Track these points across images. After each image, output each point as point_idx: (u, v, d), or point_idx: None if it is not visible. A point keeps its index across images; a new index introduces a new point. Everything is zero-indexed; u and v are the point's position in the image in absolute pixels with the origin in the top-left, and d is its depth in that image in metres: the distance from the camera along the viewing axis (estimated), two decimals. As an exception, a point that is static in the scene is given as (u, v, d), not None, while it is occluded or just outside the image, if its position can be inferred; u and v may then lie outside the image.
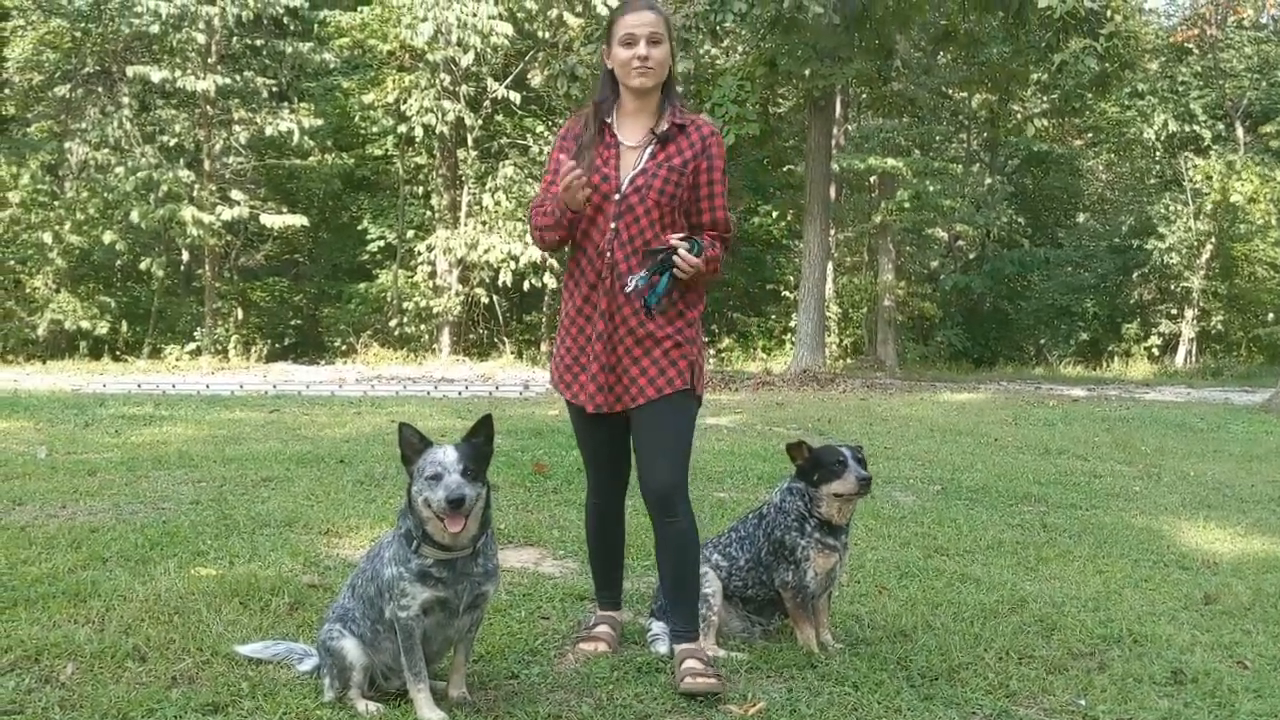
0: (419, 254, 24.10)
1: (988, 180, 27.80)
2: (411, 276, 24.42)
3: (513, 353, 24.26)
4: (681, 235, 3.73)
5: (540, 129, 24.75)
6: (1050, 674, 3.89)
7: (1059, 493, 7.80)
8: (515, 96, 22.87)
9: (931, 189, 22.87)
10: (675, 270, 3.69)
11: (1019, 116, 29.65)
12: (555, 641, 4.03)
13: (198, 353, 22.44)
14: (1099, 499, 7.65)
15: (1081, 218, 33.92)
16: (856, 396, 16.51)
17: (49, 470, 7.23)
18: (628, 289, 3.71)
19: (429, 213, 25.11)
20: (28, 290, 23.23)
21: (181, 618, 3.98)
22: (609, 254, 3.77)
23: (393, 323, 24.32)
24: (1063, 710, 3.57)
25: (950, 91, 26.73)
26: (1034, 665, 3.97)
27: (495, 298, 24.36)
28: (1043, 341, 30.86)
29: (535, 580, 4.83)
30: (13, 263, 23.13)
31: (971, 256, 31.10)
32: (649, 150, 3.82)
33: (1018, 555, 5.80)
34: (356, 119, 24.54)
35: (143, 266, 23.52)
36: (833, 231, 24.62)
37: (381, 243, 25.31)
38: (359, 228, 25.73)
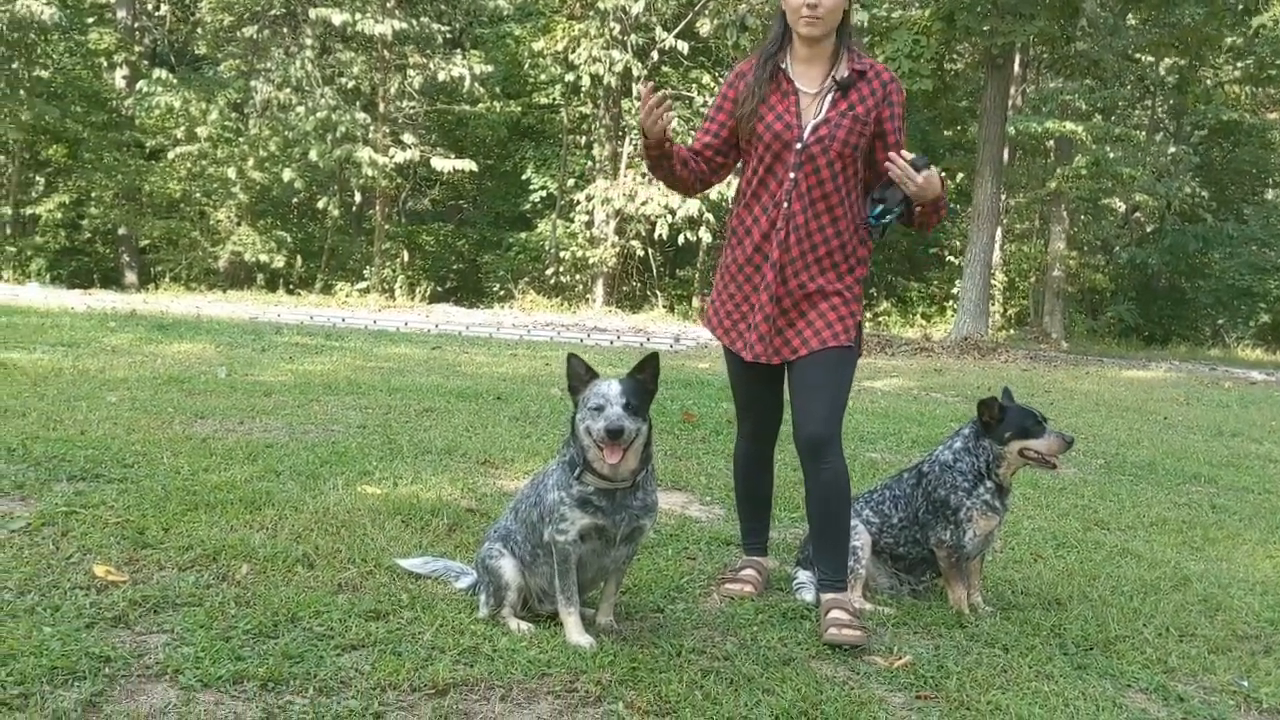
0: (578, 204, 24.36)
1: (1171, 149, 26.38)
2: (570, 226, 24.70)
3: (665, 306, 24.32)
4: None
5: (706, 80, 24.58)
6: (1212, 654, 3.74)
7: (1231, 475, 7.46)
8: (684, 46, 22.73)
9: (1112, 156, 21.85)
10: (899, 186, 3.64)
11: (1209, 83, 28.01)
12: (701, 581, 4.07)
13: (366, 291, 23.26)
14: (1273, 483, 7.28)
15: (1270, 194, 31.94)
16: (1019, 367, 16.04)
17: (228, 389, 7.64)
18: (883, 222, 3.74)
19: (590, 163, 25.30)
20: (211, 222, 24.49)
21: (348, 530, 4.16)
22: (785, 205, 3.70)
23: (549, 271, 24.68)
24: (1224, 690, 3.43)
25: (1137, 54, 25.41)
26: (1195, 644, 3.82)
27: (650, 250, 24.44)
28: (1220, 321, 29.29)
29: (683, 522, 4.89)
30: (199, 195, 24.37)
31: (1149, 229, 29.67)
32: (829, 98, 3.72)
33: (1183, 534, 5.58)
34: (525, 67, 24.83)
35: (319, 205, 24.52)
36: (1003, 196, 23.82)
37: (543, 193, 25.63)
38: (522, 177, 26.11)
